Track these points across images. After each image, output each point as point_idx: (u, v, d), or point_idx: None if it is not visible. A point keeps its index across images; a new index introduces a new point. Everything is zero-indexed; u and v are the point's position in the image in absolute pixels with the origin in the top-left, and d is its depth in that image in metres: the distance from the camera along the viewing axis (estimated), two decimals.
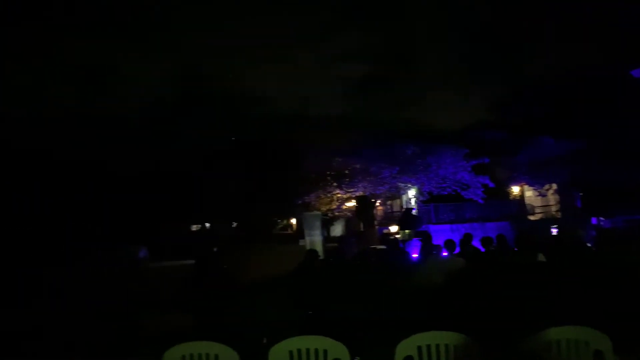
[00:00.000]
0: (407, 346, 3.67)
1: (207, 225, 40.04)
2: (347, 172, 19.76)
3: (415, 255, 10.00)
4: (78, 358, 6.49)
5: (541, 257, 6.48)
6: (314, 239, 16.48)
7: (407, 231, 17.73)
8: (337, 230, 22.43)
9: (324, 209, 19.87)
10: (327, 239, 17.70)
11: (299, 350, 3.72)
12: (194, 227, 42.11)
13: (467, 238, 8.42)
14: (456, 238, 9.12)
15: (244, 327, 6.02)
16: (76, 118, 22.45)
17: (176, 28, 20.11)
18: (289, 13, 18.70)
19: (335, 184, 19.95)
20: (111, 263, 20.31)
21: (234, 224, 36.75)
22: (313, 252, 8.39)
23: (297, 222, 36.13)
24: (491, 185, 19.71)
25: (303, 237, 19.57)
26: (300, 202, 20.66)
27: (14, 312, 12.00)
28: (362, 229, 20.41)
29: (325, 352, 3.71)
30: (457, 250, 8.10)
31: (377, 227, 20.42)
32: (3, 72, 19.67)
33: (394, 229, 18.26)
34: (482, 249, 7.93)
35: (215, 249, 9.12)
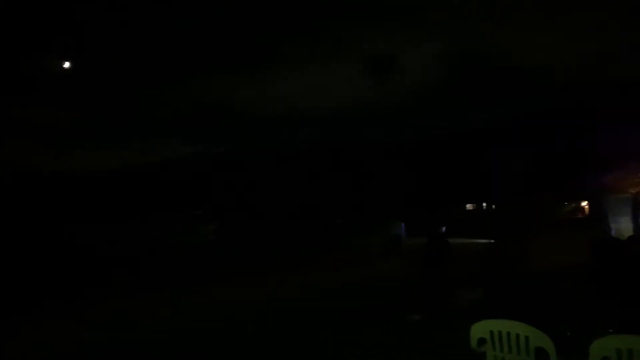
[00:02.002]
0: None
1: (484, 205, 39.01)
2: None
3: None
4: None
5: None
6: (621, 226, 13.92)
7: None
8: None
9: (632, 191, 16.50)
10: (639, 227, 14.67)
11: (630, 351, 3.23)
12: (469, 206, 41.83)
13: None
14: None
15: (545, 313, 5.65)
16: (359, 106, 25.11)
17: (445, 10, 19.95)
18: None
19: None
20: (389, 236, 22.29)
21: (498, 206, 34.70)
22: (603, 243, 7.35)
23: (589, 205, 31.34)
24: None
25: (600, 222, 16.82)
26: (596, 182, 17.76)
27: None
28: None
29: None
30: None
31: None
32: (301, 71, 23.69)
33: None
34: None
35: (444, 229, 8.91)
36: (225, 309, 8.58)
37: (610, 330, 3.82)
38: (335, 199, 49.86)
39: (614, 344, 3.28)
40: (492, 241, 12.33)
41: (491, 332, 3.69)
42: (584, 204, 32.06)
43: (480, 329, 3.77)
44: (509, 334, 3.61)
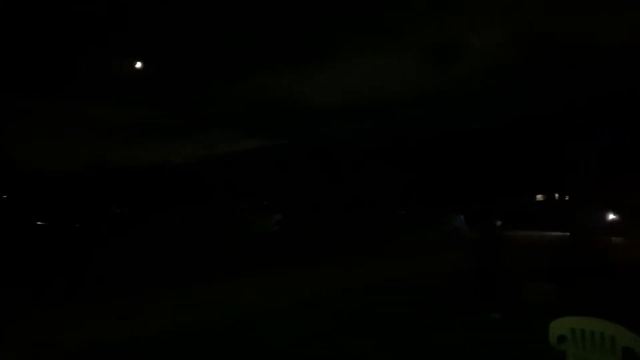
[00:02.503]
0: None
1: (556, 195, 37.00)
2: None
3: None
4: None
5: None
6: None
7: None
8: None
9: None
10: None
11: None
12: (539, 197, 39.83)
13: None
14: None
15: (628, 311, 5.36)
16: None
17: None
18: None
19: None
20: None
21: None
22: None
23: None
24: None
25: None
26: None
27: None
28: None
29: None
30: None
31: None
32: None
33: None
34: None
35: (499, 222, 8.58)
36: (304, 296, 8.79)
37: None
38: (396, 190, 49.33)
39: None
40: (567, 234, 11.74)
41: (572, 330, 3.59)
42: None
43: (560, 326, 3.68)
44: (592, 332, 3.49)
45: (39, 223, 43.30)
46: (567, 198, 34.65)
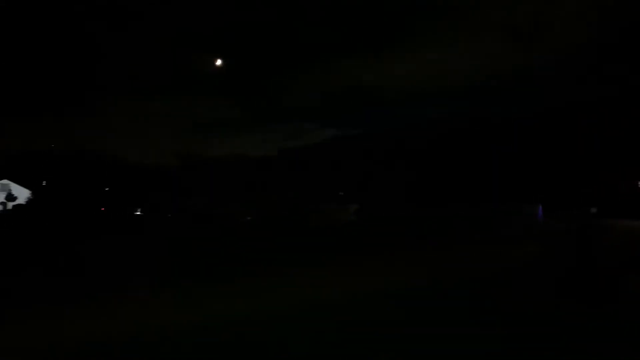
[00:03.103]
0: None
1: None
2: None
3: None
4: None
5: None
6: None
7: None
8: None
9: None
10: None
11: None
12: None
13: None
14: None
15: None
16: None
17: None
18: None
19: None
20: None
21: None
22: None
23: None
24: None
25: None
26: None
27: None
28: None
29: None
30: None
31: None
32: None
33: None
34: None
35: (594, 210, 7.72)
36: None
37: None
38: (470, 179, 47.00)
39: None
40: None
41: None
42: None
43: None
44: None
45: (137, 213, 47.18)
46: None
